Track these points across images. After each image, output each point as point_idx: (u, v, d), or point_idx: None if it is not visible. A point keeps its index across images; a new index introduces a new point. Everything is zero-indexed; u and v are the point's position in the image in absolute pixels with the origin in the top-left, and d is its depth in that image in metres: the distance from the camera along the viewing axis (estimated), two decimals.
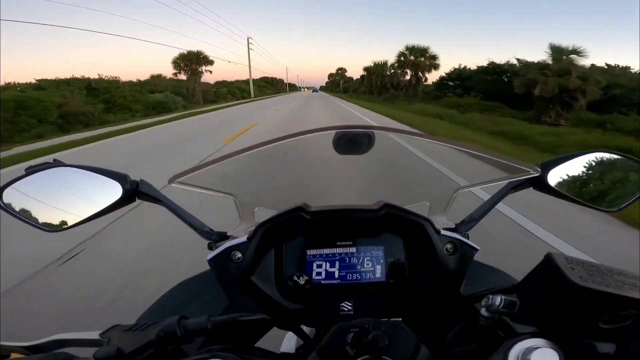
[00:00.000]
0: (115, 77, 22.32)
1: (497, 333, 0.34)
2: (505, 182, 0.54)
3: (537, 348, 0.28)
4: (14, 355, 0.33)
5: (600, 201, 0.53)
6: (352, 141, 0.47)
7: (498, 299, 0.32)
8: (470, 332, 0.40)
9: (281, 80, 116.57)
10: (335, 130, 0.45)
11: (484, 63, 20.91)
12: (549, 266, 0.28)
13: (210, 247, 0.52)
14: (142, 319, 0.47)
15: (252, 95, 47.09)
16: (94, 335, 0.35)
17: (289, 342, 0.74)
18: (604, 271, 0.28)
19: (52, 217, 0.51)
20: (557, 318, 0.29)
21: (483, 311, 0.34)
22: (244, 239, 0.47)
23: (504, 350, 0.29)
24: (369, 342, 0.32)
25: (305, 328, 0.62)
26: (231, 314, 0.37)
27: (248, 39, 56.19)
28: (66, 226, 0.51)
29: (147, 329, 0.34)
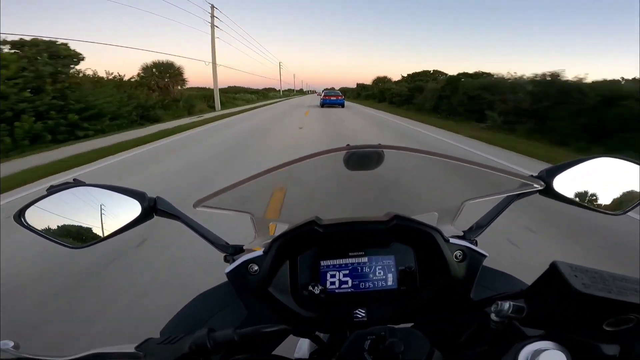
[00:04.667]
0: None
1: (507, 336, 0.36)
2: (511, 193, 0.56)
3: (545, 350, 0.30)
4: None
5: (606, 205, 0.54)
6: (362, 159, 0.49)
7: (507, 305, 0.34)
8: (481, 336, 0.42)
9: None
10: (347, 150, 0.47)
11: None
12: (554, 274, 0.30)
13: (227, 260, 0.54)
14: (166, 331, 0.49)
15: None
16: (130, 348, 0.36)
17: (302, 347, 0.76)
18: (606, 277, 0.29)
19: (74, 235, 0.53)
20: (563, 322, 0.31)
21: (493, 316, 0.35)
22: (260, 252, 0.49)
23: (514, 353, 0.31)
24: (385, 348, 0.34)
25: (320, 333, 0.63)
26: (250, 324, 0.39)
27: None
28: (88, 243, 0.53)
29: (178, 341, 0.36)
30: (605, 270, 0.30)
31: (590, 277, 0.29)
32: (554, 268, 0.30)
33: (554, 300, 0.30)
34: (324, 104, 22.71)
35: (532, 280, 0.34)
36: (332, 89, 46.44)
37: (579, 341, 0.30)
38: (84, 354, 0.35)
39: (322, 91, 29.18)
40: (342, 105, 22.97)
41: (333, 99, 23.23)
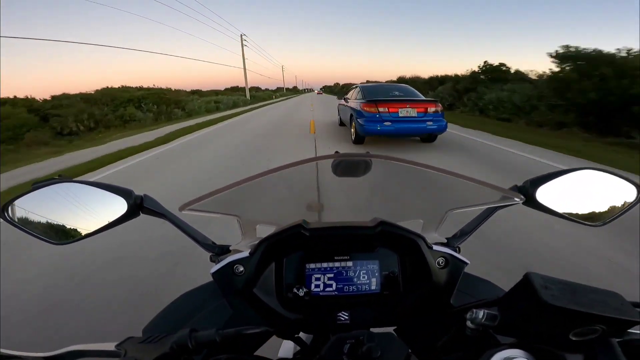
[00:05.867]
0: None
1: (482, 343, 0.37)
2: (494, 205, 0.57)
3: (514, 358, 0.32)
4: None
5: (586, 217, 0.55)
6: (350, 166, 0.50)
7: (481, 313, 0.35)
8: (458, 342, 0.43)
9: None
10: (335, 158, 0.47)
11: None
12: (526, 285, 0.31)
13: (213, 260, 0.54)
14: (148, 329, 0.49)
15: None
16: (110, 346, 0.36)
17: (286, 348, 0.76)
18: (577, 289, 0.30)
19: (58, 231, 0.52)
20: (532, 331, 0.32)
21: (468, 323, 0.37)
22: (246, 253, 0.49)
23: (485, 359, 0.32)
24: (363, 353, 0.35)
25: (303, 335, 0.64)
26: (234, 324, 0.40)
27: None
28: (71, 240, 0.53)
29: (160, 340, 0.36)
30: (579, 283, 0.31)
31: (561, 289, 0.30)
32: (526, 279, 0.31)
33: (525, 310, 0.31)
34: (368, 132, 5.92)
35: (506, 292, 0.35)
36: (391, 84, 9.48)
37: (545, 350, 0.32)
38: (63, 350, 0.35)
39: (359, 91, 6.84)
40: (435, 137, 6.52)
41: (409, 118, 5.81)
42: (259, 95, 46.29)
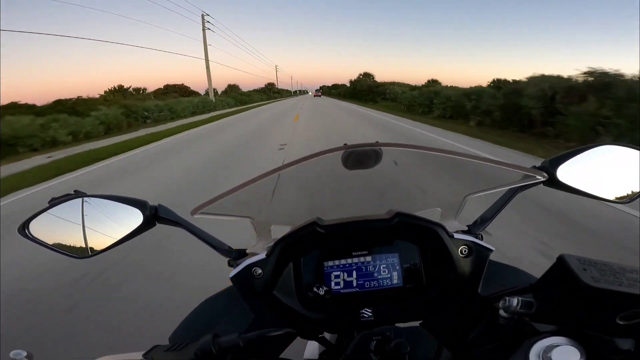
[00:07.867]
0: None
1: (518, 332, 0.35)
2: (514, 186, 0.55)
3: (558, 346, 0.29)
4: None
5: (611, 194, 0.53)
6: (361, 158, 0.49)
7: (515, 301, 0.33)
8: (490, 332, 0.41)
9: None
10: (344, 150, 0.47)
11: None
12: (562, 268, 0.29)
13: (231, 265, 0.54)
14: (174, 337, 0.50)
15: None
16: (137, 356, 0.37)
17: (311, 349, 0.76)
18: (616, 270, 0.28)
19: (77, 246, 0.53)
20: (575, 317, 0.30)
21: (501, 312, 0.35)
22: (262, 255, 0.49)
23: (525, 349, 0.30)
24: (392, 349, 0.34)
25: (327, 334, 0.63)
26: (257, 327, 0.39)
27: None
28: (92, 253, 0.53)
29: (184, 348, 0.36)
30: (615, 262, 0.30)
31: (600, 269, 0.28)
32: (561, 262, 0.29)
33: (564, 295, 0.30)
34: None
35: (541, 273, 0.33)
36: None
37: (592, 336, 0.29)
38: None
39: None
40: None
41: None
42: None
